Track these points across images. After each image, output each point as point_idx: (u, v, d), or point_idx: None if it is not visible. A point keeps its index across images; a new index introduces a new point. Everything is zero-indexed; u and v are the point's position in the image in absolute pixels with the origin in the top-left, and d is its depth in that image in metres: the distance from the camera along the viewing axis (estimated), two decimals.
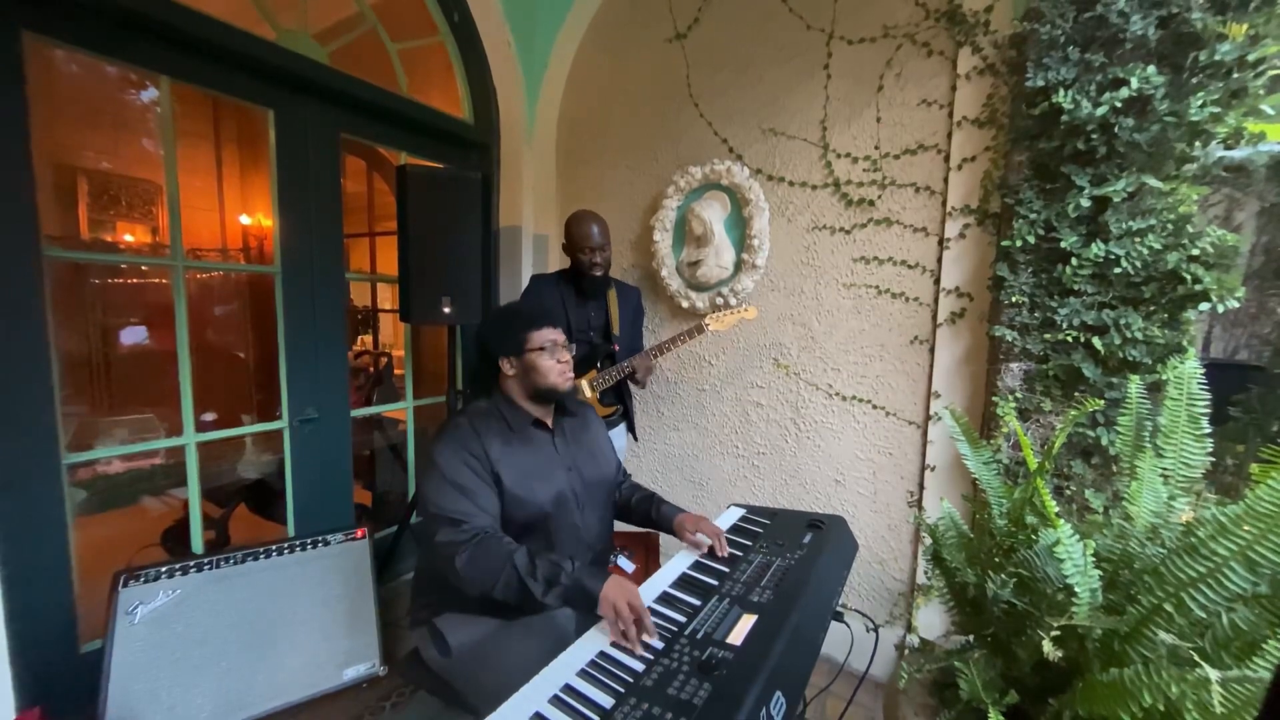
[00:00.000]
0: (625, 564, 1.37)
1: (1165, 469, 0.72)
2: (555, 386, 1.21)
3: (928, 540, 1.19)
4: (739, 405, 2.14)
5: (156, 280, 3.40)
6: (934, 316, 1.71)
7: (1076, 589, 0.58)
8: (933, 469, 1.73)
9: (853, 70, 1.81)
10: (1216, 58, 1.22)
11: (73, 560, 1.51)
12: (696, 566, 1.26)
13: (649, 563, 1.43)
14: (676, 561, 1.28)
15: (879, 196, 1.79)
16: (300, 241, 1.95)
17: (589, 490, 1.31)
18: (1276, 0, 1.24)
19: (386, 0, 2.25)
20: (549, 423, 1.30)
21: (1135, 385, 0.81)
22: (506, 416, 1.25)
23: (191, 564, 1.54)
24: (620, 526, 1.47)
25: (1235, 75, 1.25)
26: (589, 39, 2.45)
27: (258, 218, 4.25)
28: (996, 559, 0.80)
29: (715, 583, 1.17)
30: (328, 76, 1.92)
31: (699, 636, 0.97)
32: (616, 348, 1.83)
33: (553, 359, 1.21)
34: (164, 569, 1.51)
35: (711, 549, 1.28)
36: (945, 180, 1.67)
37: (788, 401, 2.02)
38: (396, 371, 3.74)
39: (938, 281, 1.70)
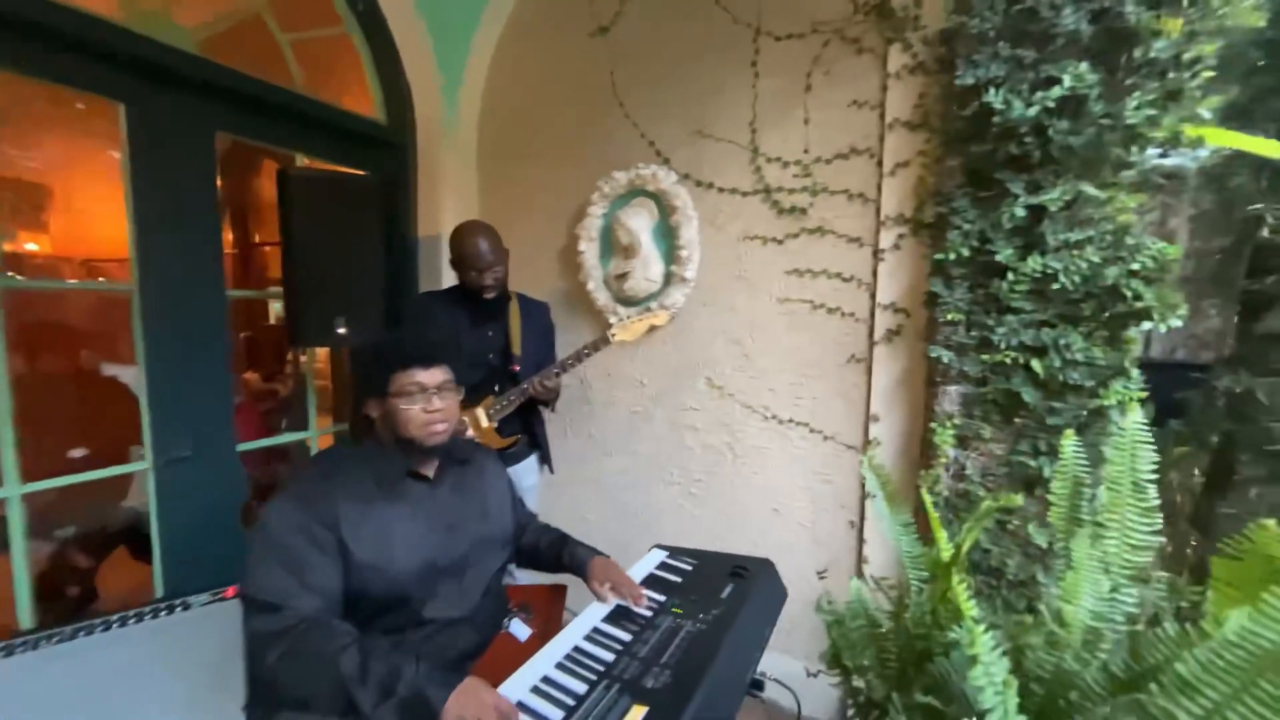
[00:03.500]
0: (519, 630, 1.18)
1: (1106, 551, 0.58)
2: (415, 440, 1.01)
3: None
4: (674, 429, 1.98)
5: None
6: (870, 334, 1.58)
7: None
8: (873, 497, 1.59)
9: (781, 68, 1.68)
10: (1151, 55, 1.12)
11: None
12: (594, 636, 1.08)
13: (550, 624, 1.25)
14: (574, 628, 1.10)
15: (810, 204, 1.65)
16: (166, 256, 1.69)
17: (476, 551, 1.12)
18: None
19: None
20: (430, 474, 1.10)
21: (1070, 442, 0.68)
22: (375, 467, 1.04)
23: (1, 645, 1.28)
24: (538, 576, 1.29)
25: (1171, 75, 1.15)
26: (510, 33, 2.27)
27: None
28: (908, 668, 0.66)
29: (610, 659, 1.00)
30: (192, 66, 1.67)
31: None
32: (517, 369, 1.63)
33: (416, 406, 1.00)
34: None
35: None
36: (878, 187, 1.55)
37: (723, 425, 1.87)
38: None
39: (874, 296, 1.57)
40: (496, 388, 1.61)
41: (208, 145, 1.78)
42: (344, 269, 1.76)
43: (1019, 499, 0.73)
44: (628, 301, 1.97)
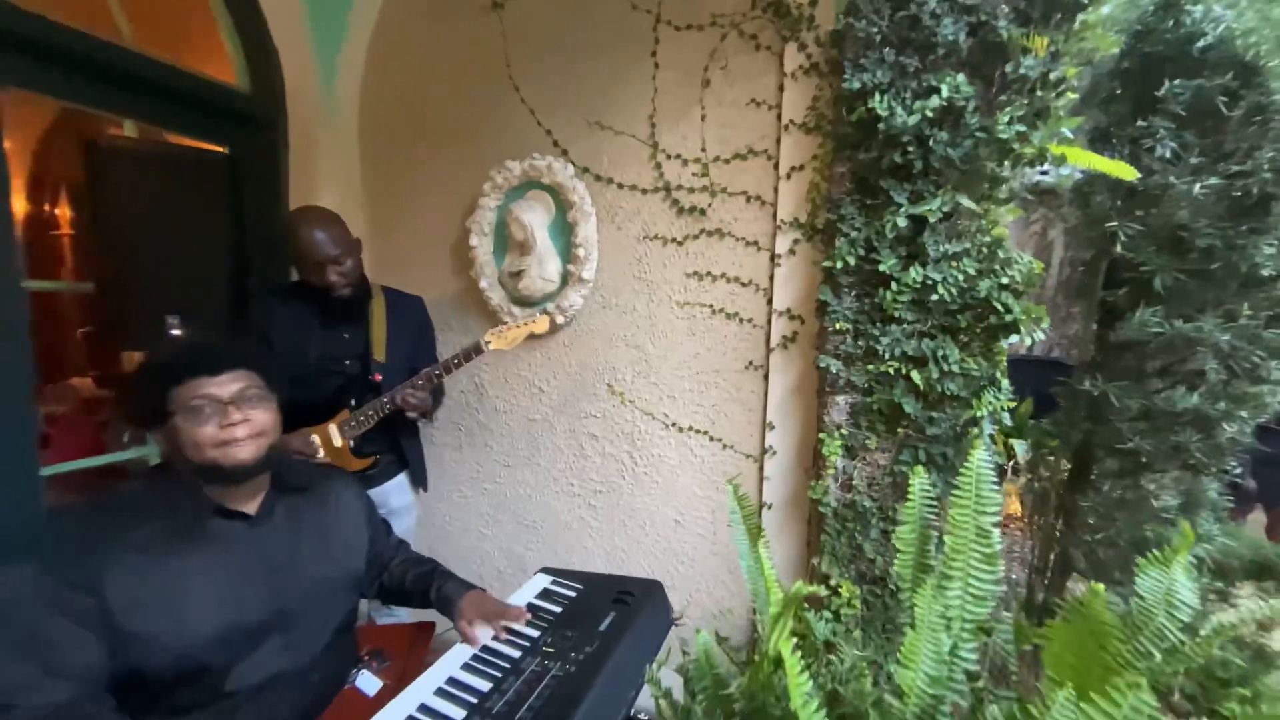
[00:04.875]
0: (367, 683, 1.03)
1: (949, 604, 0.54)
2: (214, 463, 0.83)
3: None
4: (573, 437, 1.87)
5: None
6: (767, 340, 1.55)
7: None
8: (769, 507, 1.57)
9: (681, 60, 1.60)
10: (1021, 72, 1.14)
11: None
12: (448, 688, 0.95)
13: (409, 673, 1.10)
14: (424, 680, 0.96)
15: (709, 205, 1.59)
16: None
17: (312, 597, 0.95)
18: (1075, 18, 1.19)
19: None
20: (250, 509, 0.92)
21: (919, 479, 0.64)
22: (168, 508, 0.85)
23: None
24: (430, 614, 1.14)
25: (1039, 93, 1.18)
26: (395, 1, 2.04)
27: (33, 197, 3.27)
28: None
29: (460, 717, 0.88)
30: None
31: None
32: (378, 378, 1.44)
33: (209, 425, 0.82)
34: None
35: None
36: (775, 190, 1.51)
37: (624, 433, 1.78)
38: None
39: (770, 301, 1.54)
40: (353, 401, 1.41)
41: None
42: (178, 258, 1.50)
43: (821, 589, 0.68)
44: (523, 302, 1.83)
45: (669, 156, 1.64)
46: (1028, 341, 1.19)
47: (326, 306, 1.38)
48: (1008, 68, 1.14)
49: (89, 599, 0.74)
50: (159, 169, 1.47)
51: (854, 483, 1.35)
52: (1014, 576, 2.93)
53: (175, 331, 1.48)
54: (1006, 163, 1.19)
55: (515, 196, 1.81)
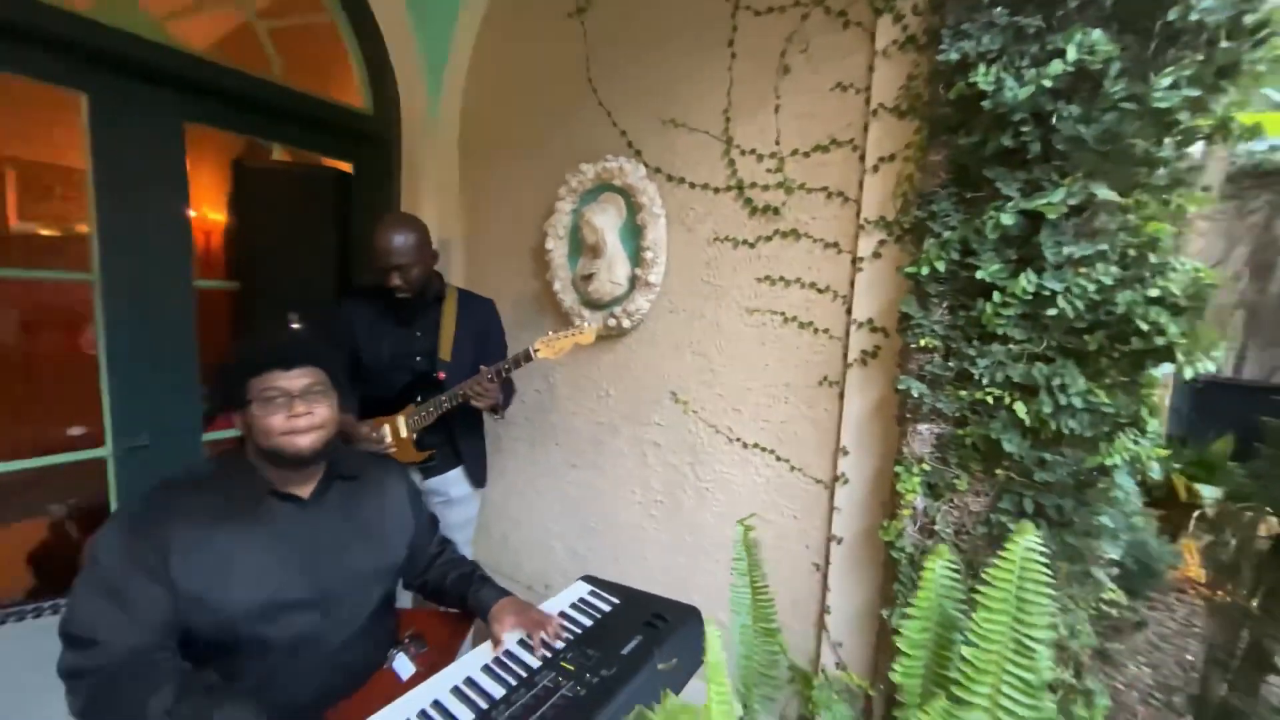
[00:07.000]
0: (402, 666, 1.08)
1: None
2: (279, 449, 0.92)
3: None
4: (637, 444, 1.83)
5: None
6: (845, 354, 1.38)
7: None
8: (839, 541, 1.40)
9: (759, 47, 1.48)
10: (1193, 18, 0.86)
11: None
12: (462, 689, 0.97)
13: (443, 661, 1.14)
14: (441, 678, 0.99)
15: (784, 203, 1.45)
16: (131, 247, 1.70)
17: (352, 580, 1.02)
18: None
19: None
20: (303, 492, 1.01)
21: (939, 564, 0.48)
22: (231, 486, 0.96)
23: None
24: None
25: (1224, 45, 0.89)
26: (492, 17, 2.16)
27: (203, 210, 4.08)
28: None
29: (469, 718, 0.89)
30: (157, 55, 1.66)
31: None
32: (442, 376, 1.51)
33: (278, 415, 0.91)
34: None
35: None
36: (860, 185, 1.33)
37: (686, 444, 1.71)
38: None
39: (850, 311, 1.36)
40: (419, 396, 1.51)
41: (176, 136, 1.77)
42: (300, 263, 1.73)
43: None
44: (593, 304, 1.83)
45: (743, 152, 1.52)
46: (1188, 373, 0.90)
47: (399, 306, 1.49)
48: (1172, 14, 0.87)
49: (157, 558, 0.86)
50: (290, 185, 1.70)
51: (936, 527, 1.14)
52: (1190, 658, 2.34)
53: (295, 325, 1.70)
54: (1167, 140, 0.91)
55: (589, 199, 1.82)
